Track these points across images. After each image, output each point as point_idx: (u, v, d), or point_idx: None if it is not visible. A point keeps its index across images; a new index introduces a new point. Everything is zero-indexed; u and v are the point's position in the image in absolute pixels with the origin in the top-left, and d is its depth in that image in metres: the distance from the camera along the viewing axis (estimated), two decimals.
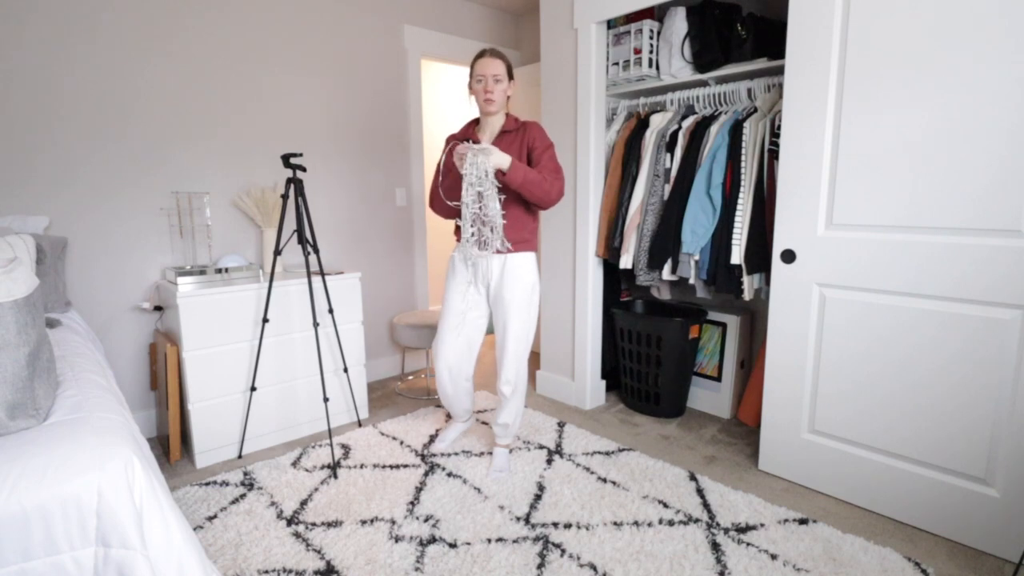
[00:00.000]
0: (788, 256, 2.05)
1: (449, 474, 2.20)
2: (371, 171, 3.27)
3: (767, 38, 2.34)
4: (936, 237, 1.73)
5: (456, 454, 2.37)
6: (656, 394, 2.75)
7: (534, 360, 3.80)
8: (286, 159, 2.23)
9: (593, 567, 1.65)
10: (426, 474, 2.20)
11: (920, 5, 1.69)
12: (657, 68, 2.69)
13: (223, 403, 2.34)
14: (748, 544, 1.75)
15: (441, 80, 4.70)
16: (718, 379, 2.78)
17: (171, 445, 2.27)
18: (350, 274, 2.70)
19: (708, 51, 2.44)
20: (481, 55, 2.01)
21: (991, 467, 1.70)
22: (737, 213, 2.30)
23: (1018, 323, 1.61)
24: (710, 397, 2.82)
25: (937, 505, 1.80)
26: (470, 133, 2.11)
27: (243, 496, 2.05)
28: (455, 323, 2.14)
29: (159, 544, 1.07)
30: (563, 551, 1.72)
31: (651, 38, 2.64)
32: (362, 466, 2.27)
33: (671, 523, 1.86)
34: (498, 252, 2.03)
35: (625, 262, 2.62)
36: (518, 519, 1.89)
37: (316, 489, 2.10)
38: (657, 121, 2.63)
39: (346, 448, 2.44)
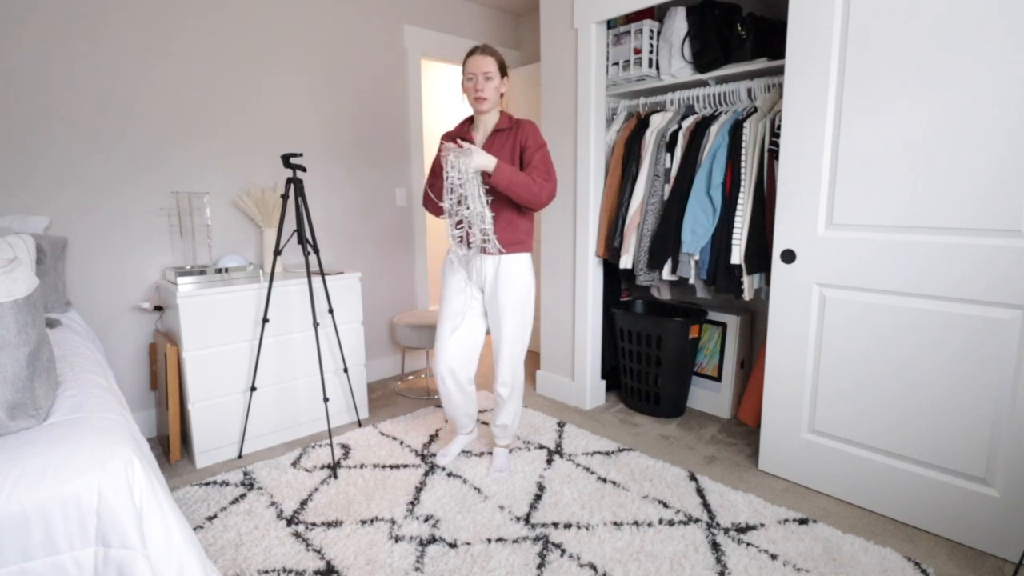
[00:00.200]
0: (788, 256, 2.05)
1: (449, 474, 2.20)
2: (371, 171, 3.27)
3: (767, 38, 2.34)
4: (936, 237, 1.73)
5: (456, 454, 2.37)
6: (656, 394, 2.75)
7: (534, 360, 3.80)
8: (286, 159, 2.23)
9: (593, 567, 1.65)
10: (426, 474, 2.20)
11: (920, 5, 1.69)
12: (657, 68, 2.69)
13: (223, 403, 2.34)
14: (748, 544, 1.75)
15: (441, 80, 4.69)
16: (718, 379, 2.78)
17: (171, 445, 2.27)
18: (350, 274, 2.70)
19: (708, 51, 2.44)
20: (472, 52, 1.97)
21: (991, 467, 1.70)
22: (737, 213, 2.30)
23: (1018, 323, 1.61)
24: (710, 397, 2.82)
25: (937, 505, 1.80)
26: (464, 132, 2.08)
27: (243, 496, 2.05)
28: (454, 324, 2.11)
29: (159, 544, 1.07)
30: (563, 551, 1.72)
31: (651, 38, 2.64)
32: (362, 466, 2.27)
33: (671, 523, 1.86)
34: (489, 254, 2.01)
35: (625, 262, 2.62)
36: (518, 519, 1.89)
37: (316, 489, 2.10)
38: (657, 121, 2.63)
39: (346, 448, 2.44)
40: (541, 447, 2.42)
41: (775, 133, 2.20)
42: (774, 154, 2.21)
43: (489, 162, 1.83)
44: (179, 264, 2.59)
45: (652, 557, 1.69)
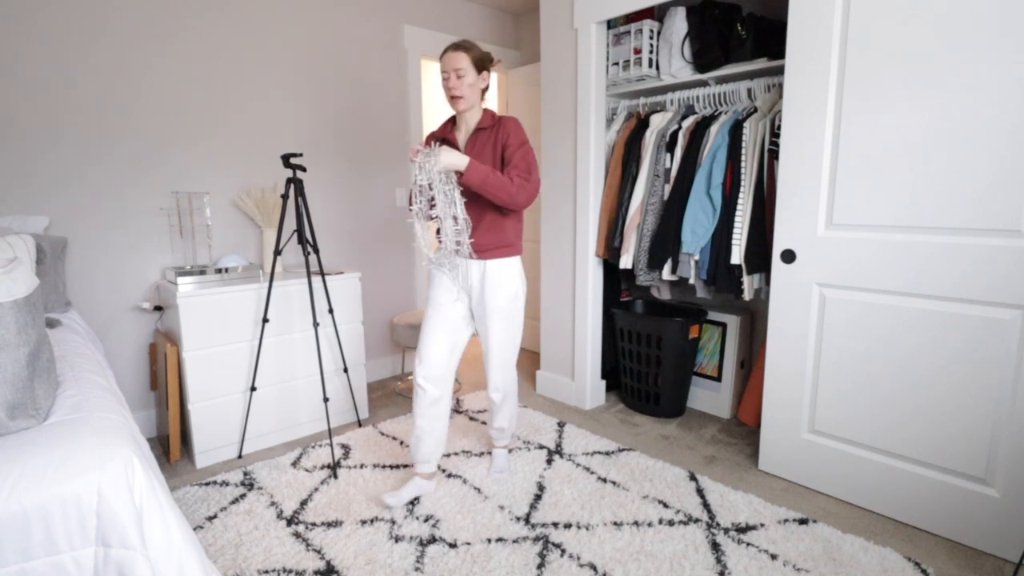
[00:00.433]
0: (788, 256, 2.05)
1: (449, 474, 2.20)
2: (371, 171, 3.27)
3: (767, 38, 2.34)
4: (936, 237, 1.73)
5: (456, 454, 2.37)
6: (656, 394, 2.75)
7: (534, 360, 3.79)
8: (286, 159, 2.23)
9: (593, 567, 1.65)
10: None
11: (920, 5, 1.69)
12: (657, 68, 2.69)
13: (223, 403, 2.34)
14: (748, 544, 1.74)
15: (440, 80, 4.69)
16: (718, 379, 2.78)
17: (171, 445, 2.27)
18: (350, 274, 2.70)
19: (708, 51, 2.44)
20: (445, 50, 1.89)
21: (991, 467, 1.70)
22: (737, 213, 2.30)
23: (1018, 323, 1.61)
24: (710, 397, 2.82)
25: (937, 505, 1.80)
26: (446, 131, 2.01)
27: (243, 496, 2.05)
28: (438, 330, 1.98)
29: (159, 544, 1.07)
30: (563, 551, 1.72)
31: (651, 38, 2.64)
32: (362, 466, 2.27)
33: (671, 523, 1.86)
34: (470, 257, 1.94)
35: (625, 262, 2.62)
36: (518, 519, 1.89)
37: (316, 489, 2.10)
38: (657, 121, 2.63)
39: (346, 448, 2.44)
40: (541, 447, 2.42)
41: (775, 133, 2.20)
42: (774, 154, 2.21)
43: (459, 161, 1.75)
44: (179, 264, 2.59)
45: (652, 557, 1.69)
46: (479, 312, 2.00)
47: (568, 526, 1.85)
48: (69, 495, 1.00)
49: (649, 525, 1.85)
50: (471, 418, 2.75)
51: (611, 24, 2.76)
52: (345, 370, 2.66)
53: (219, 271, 2.39)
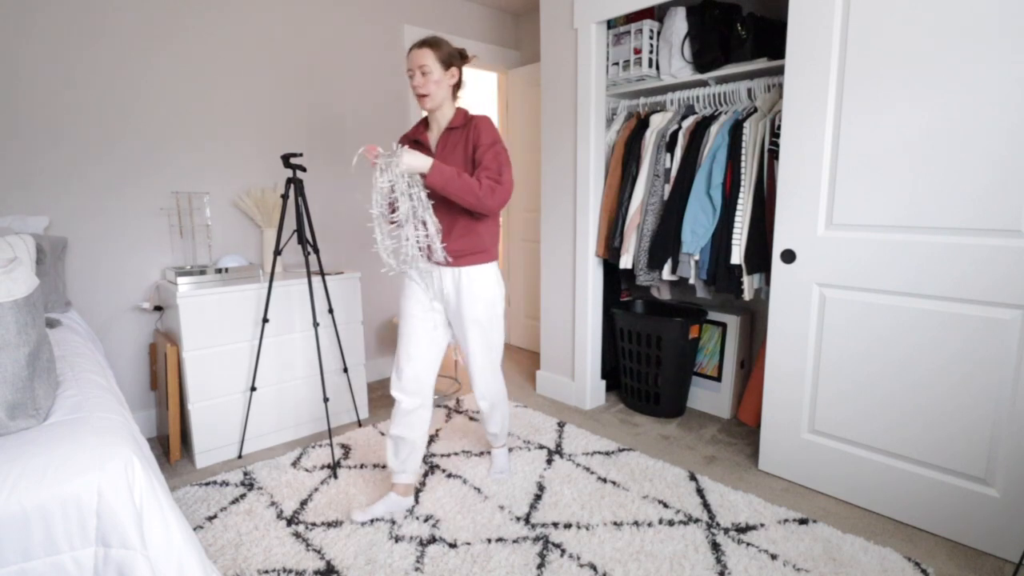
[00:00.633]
0: (788, 256, 2.05)
1: (449, 475, 2.20)
2: (371, 171, 3.27)
3: (767, 38, 2.34)
4: (936, 237, 1.73)
5: (456, 454, 2.37)
6: (656, 394, 2.75)
7: (534, 360, 3.80)
8: (286, 159, 2.23)
9: (593, 567, 1.65)
10: (426, 474, 2.20)
11: (920, 5, 1.69)
12: (657, 68, 2.69)
13: (223, 403, 2.34)
14: (748, 544, 1.74)
15: None
16: (718, 379, 2.78)
17: (171, 445, 2.27)
18: (350, 274, 2.70)
19: (708, 51, 2.44)
20: (411, 47, 1.81)
21: (991, 467, 1.70)
22: (737, 213, 2.30)
23: (1018, 323, 1.61)
24: (710, 397, 2.82)
25: (937, 505, 1.80)
26: (419, 132, 1.94)
27: (243, 496, 2.05)
28: (411, 342, 1.90)
29: (159, 544, 1.07)
30: (563, 551, 1.72)
31: (651, 38, 2.64)
32: (362, 466, 2.27)
33: (671, 523, 1.86)
34: (444, 264, 1.86)
35: (625, 262, 2.62)
36: (518, 519, 1.89)
37: (316, 489, 2.10)
38: (657, 121, 2.63)
39: (346, 448, 2.44)
40: (541, 447, 2.42)
41: (775, 133, 2.20)
42: (774, 154, 2.21)
43: (421, 164, 1.67)
44: (179, 264, 2.59)
45: (652, 557, 1.69)
46: (456, 322, 1.92)
47: (568, 526, 1.85)
48: (69, 495, 1.00)
49: (649, 525, 1.85)
50: (471, 418, 2.75)
51: (611, 24, 2.76)
52: (345, 370, 2.66)
53: (219, 271, 2.39)
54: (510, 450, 2.39)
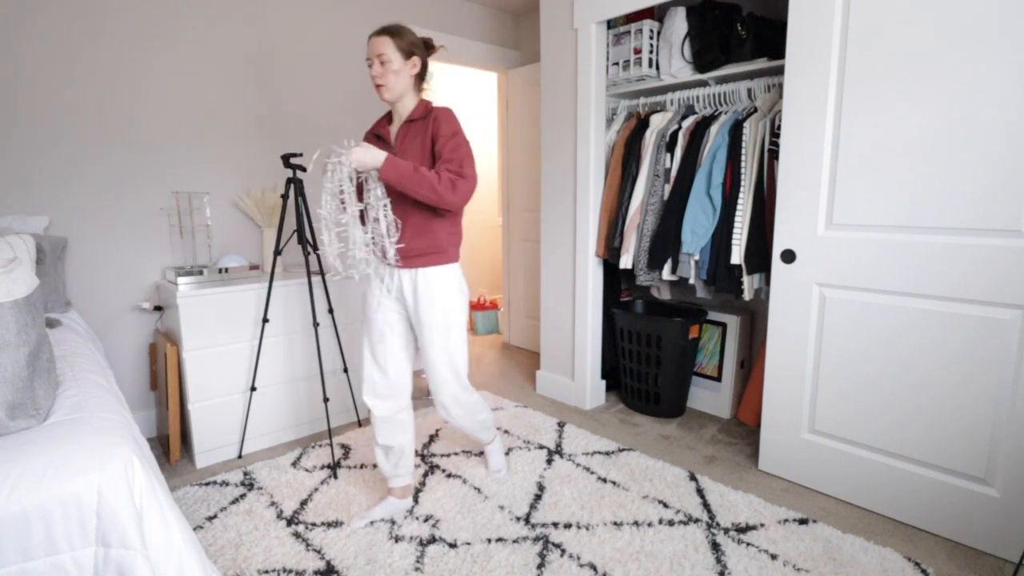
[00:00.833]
0: (788, 256, 2.05)
1: (449, 475, 2.20)
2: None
3: (767, 38, 2.34)
4: (936, 237, 1.73)
5: (456, 454, 2.37)
6: (656, 394, 2.75)
7: (534, 360, 3.79)
8: (286, 159, 2.23)
9: (593, 567, 1.65)
10: (426, 474, 2.20)
11: (920, 5, 1.69)
12: (657, 68, 2.69)
13: (223, 403, 2.34)
14: (748, 544, 1.74)
15: (441, 80, 4.70)
16: (718, 379, 2.78)
17: (171, 445, 2.27)
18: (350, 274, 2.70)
19: (708, 51, 2.44)
20: (370, 35, 1.72)
21: (991, 467, 1.70)
22: (737, 213, 2.30)
23: (1018, 323, 1.61)
24: (710, 397, 2.82)
25: (937, 505, 1.80)
26: (382, 126, 1.85)
27: (243, 496, 2.05)
28: (376, 349, 1.85)
29: (159, 544, 1.07)
30: (563, 551, 1.72)
31: (651, 38, 2.64)
32: (362, 466, 2.27)
33: (671, 523, 1.86)
34: (396, 266, 1.78)
35: (625, 262, 2.62)
36: (518, 519, 1.89)
37: (316, 489, 2.10)
38: (657, 121, 2.63)
39: (346, 448, 2.44)
40: (541, 447, 2.42)
41: (775, 133, 2.20)
42: (774, 154, 2.21)
43: (373, 158, 1.59)
44: (179, 264, 2.59)
45: (652, 557, 1.69)
46: (416, 325, 1.83)
47: (568, 526, 1.85)
48: (69, 495, 1.00)
49: (649, 525, 1.85)
50: None
51: (611, 24, 2.76)
52: (345, 370, 2.66)
53: (219, 271, 2.39)
54: (508, 451, 2.39)
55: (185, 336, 2.21)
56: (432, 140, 1.71)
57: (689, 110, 2.65)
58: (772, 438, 2.18)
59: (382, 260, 1.79)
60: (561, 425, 2.65)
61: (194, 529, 1.85)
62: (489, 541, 1.78)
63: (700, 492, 2.05)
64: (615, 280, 3.04)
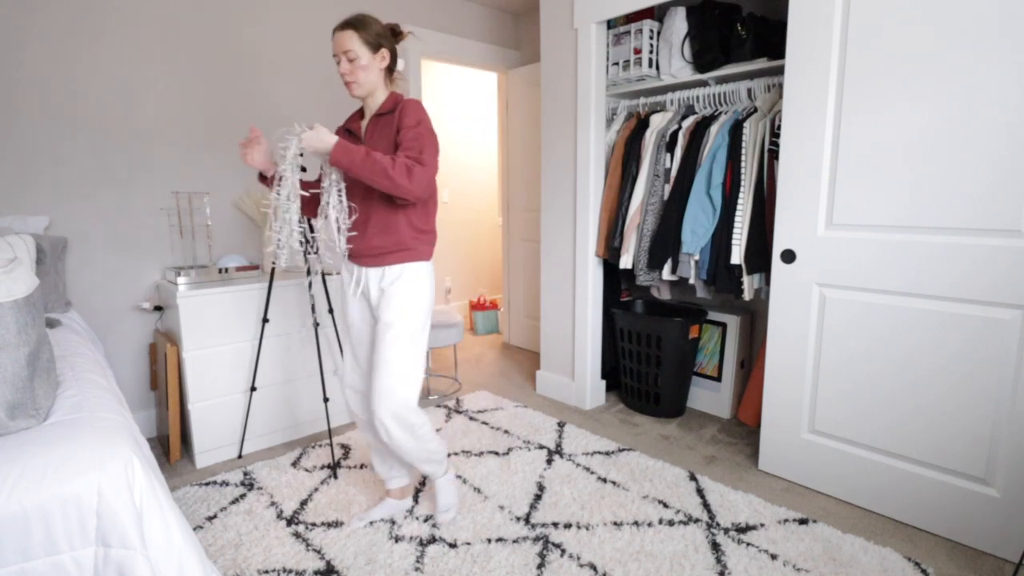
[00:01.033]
0: (788, 256, 2.05)
1: None
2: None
3: (767, 38, 2.34)
4: (936, 237, 1.73)
5: (456, 454, 2.37)
6: (656, 394, 2.75)
7: (534, 360, 3.79)
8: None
9: (593, 567, 1.65)
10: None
11: (920, 5, 1.69)
12: (657, 68, 2.69)
13: (223, 403, 2.34)
14: (748, 544, 1.74)
15: (441, 80, 4.70)
16: (718, 379, 2.78)
17: (171, 445, 2.27)
18: None
19: (708, 51, 2.44)
20: (334, 30, 1.64)
21: (991, 467, 1.70)
22: (737, 213, 2.30)
23: (1018, 323, 1.61)
24: (710, 397, 2.82)
25: (937, 505, 1.80)
26: (353, 121, 1.79)
27: (243, 496, 2.05)
28: (353, 347, 1.80)
29: (159, 544, 1.07)
30: (563, 551, 1.72)
31: (651, 38, 2.64)
32: (362, 466, 2.27)
33: (671, 523, 1.86)
34: (349, 261, 1.71)
35: (625, 262, 2.62)
36: (518, 519, 1.89)
37: (316, 489, 2.10)
38: (657, 121, 2.63)
39: (346, 448, 2.44)
40: (541, 447, 2.42)
41: (775, 133, 2.20)
42: (774, 154, 2.21)
43: (324, 142, 1.50)
44: (179, 264, 2.59)
45: (652, 557, 1.69)
46: (376, 324, 1.73)
47: (568, 526, 1.85)
48: (69, 495, 1.00)
49: (649, 525, 1.85)
50: (471, 418, 2.75)
51: (611, 24, 2.76)
52: None
53: (219, 271, 2.39)
54: (508, 450, 2.39)
55: (185, 336, 2.21)
56: (397, 131, 1.63)
57: (689, 110, 2.65)
58: (772, 438, 2.18)
59: (334, 251, 1.67)
60: (561, 425, 2.65)
61: (194, 529, 1.85)
62: (489, 541, 1.78)
63: (700, 492, 2.05)
64: (615, 280, 3.04)
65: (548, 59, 2.88)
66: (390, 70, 1.70)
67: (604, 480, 2.14)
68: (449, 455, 2.37)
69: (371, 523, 1.87)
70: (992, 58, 1.58)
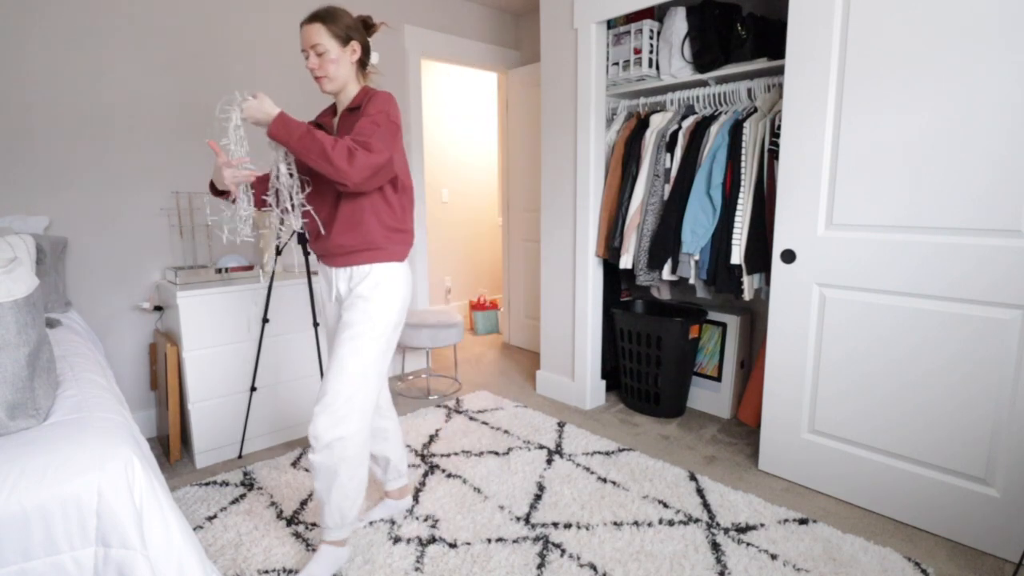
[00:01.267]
0: (788, 256, 2.05)
1: (449, 475, 2.20)
2: None
3: (767, 38, 2.34)
4: (936, 237, 1.73)
5: (456, 454, 2.37)
6: (656, 394, 2.75)
7: (534, 360, 3.79)
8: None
9: (593, 567, 1.65)
10: (426, 474, 2.20)
11: (920, 5, 1.69)
12: (657, 68, 2.69)
13: (223, 403, 2.34)
14: (748, 544, 1.74)
15: (441, 80, 4.69)
16: (718, 379, 2.78)
17: (171, 445, 2.27)
18: None
19: (708, 51, 2.44)
20: (301, 23, 1.55)
21: (991, 467, 1.70)
22: (737, 213, 2.30)
23: (1018, 323, 1.61)
24: (710, 397, 2.82)
25: (937, 505, 1.80)
26: (324, 115, 1.72)
27: (243, 496, 2.05)
28: (331, 350, 1.68)
29: (159, 544, 1.07)
30: (563, 551, 1.72)
31: (651, 38, 2.64)
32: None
33: (671, 523, 1.86)
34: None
35: (625, 262, 2.62)
36: (518, 519, 1.89)
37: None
38: (657, 121, 2.63)
39: None
40: (541, 447, 2.42)
41: (775, 133, 2.20)
42: (774, 154, 2.21)
43: (264, 113, 1.41)
44: (179, 264, 2.59)
45: (652, 557, 1.69)
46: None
47: (568, 526, 1.85)
48: (69, 495, 1.00)
49: (649, 525, 1.85)
50: (471, 418, 2.75)
51: (611, 24, 2.76)
52: None
53: (219, 271, 2.39)
54: (508, 450, 2.38)
55: (185, 336, 2.21)
56: None
57: (689, 110, 2.65)
58: (772, 438, 2.18)
59: (288, 229, 1.57)
60: (561, 425, 2.65)
61: (194, 529, 1.85)
62: (489, 541, 1.78)
63: (700, 492, 2.05)
64: (615, 280, 3.04)
65: (548, 59, 2.88)
66: (363, 64, 1.63)
67: (604, 480, 2.14)
68: (449, 455, 2.36)
69: (371, 523, 1.87)
70: (992, 58, 1.58)
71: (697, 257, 2.42)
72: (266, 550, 1.74)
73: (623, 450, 2.39)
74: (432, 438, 2.53)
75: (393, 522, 1.88)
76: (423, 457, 2.34)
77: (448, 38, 3.53)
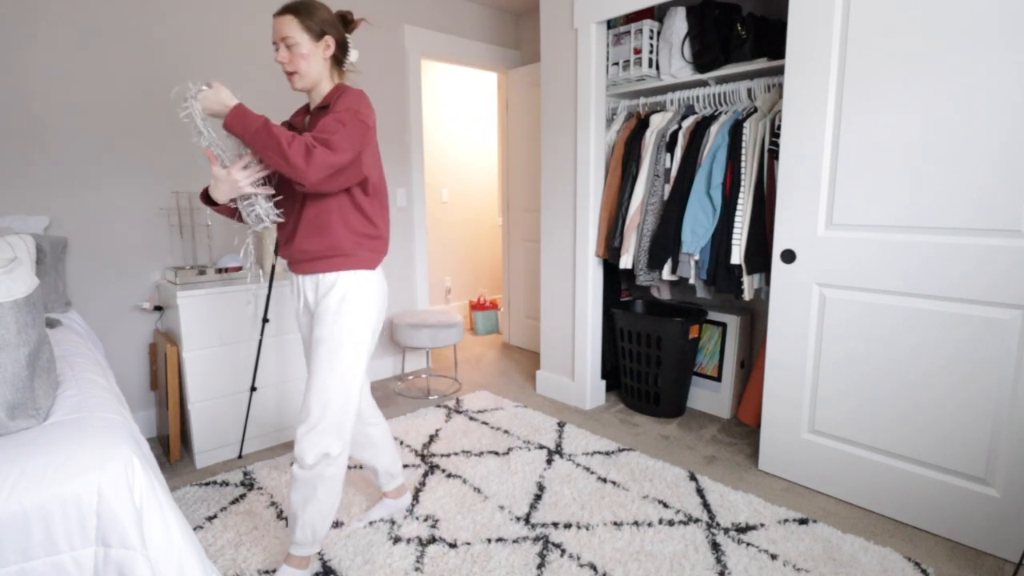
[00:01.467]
0: (788, 256, 2.05)
1: (449, 475, 2.20)
2: None
3: (767, 38, 2.34)
4: (936, 237, 1.73)
5: (456, 454, 2.37)
6: (656, 394, 2.75)
7: (534, 360, 3.79)
8: None
9: (593, 567, 1.65)
10: (426, 474, 2.20)
11: (920, 5, 1.69)
12: (657, 68, 2.69)
13: (223, 403, 2.34)
14: (748, 544, 1.75)
15: (441, 80, 4.69)
16: (718, 379, 2.78)
17: (171, 445, 2.27)
18: None
19: (708, 51, 2.44)
20: (274, 15, 1.47)
21: (991, 467, 1.70)
22: (737, 213, 2.30)
23: (1018, 323, 1.61)
24: (710, 397, 2.82)
25: (937, 505, 1.80)
26: (298, 113, 1.64)
27: (243, 496, 2.05)
28: (308, 360, 1.62)
29: (159, 544, 1.07)
30: (563, 551, 1.72)
31: (651, 38, 2.64)
32: (361, 467, 2.27)
33: (671, 523, 1.86)
34: (298, 269, 1.53)
35: (625, 262, 2.62)
36: (518, 519, 1.89)
37: None
38: (657, 121, 2.63)
39: None
40: (541, 447, 2.42)
41: (775, 133, 2.20)
42: (774, 154, 2.21)
43: (221, 104, 1.34)
44: (179, 264, 2.59)
45: (652, 557, 1.69)
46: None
47: (568, 526, 1.85)
48: (69, 495, 1.00)
49: (649, 525, 1.85)
50: (471, 418, 2.75)
51: (611, 24, 2.76)
52: None
53: (219, 271, 2.39)
54: (508, 450, 2.38)
55: (185, 336, 2.21)
56: None
57: (689, 110, 2.65)
58: (772, 438, 2.18)
59: (258, 221, 1.48)
60: (561, 425, 2.65)
61: (194, 529, 1.85)
62: (489, 541, 1.78)
63: (700, 492, 2.05)
64: (615, 280, 3.04)
65: (548, 59, 2.88)
66: (338, 61, 1.54)
67: (604, 480, 2.14)
68: (449, 455, 2.36)
69: (370, 523, 1.87)
70: (991, 58, 1.58)
71: (697, 257, 2.42)
72: (266, 550, 1.74)
73: (623, 450, 2.39)
74: (432, 438, 2.53)
75: (393, 522, 1.88)
76: (423, 457, 2.34)
77: (448, 38, 3.53)
